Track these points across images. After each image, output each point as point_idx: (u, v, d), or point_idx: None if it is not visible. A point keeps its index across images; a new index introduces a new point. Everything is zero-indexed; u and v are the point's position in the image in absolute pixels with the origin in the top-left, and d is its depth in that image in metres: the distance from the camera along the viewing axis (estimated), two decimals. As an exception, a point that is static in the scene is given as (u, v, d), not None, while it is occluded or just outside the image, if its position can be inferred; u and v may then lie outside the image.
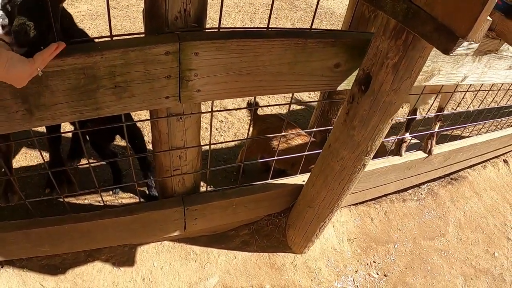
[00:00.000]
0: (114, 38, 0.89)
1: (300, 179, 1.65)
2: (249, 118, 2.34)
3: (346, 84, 1.18)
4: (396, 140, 1.95)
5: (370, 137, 1.11)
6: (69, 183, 1.58)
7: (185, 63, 0.92)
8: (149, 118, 1.17)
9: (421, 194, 2.29)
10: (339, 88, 1.18)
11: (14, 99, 0.83)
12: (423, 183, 2.32)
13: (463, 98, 2.96)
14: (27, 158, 1.98)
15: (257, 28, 1.19)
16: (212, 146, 1.86)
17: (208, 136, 1.30)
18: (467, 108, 3.05)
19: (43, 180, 1.83)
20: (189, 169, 1.34)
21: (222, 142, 2.09)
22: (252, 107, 1.89)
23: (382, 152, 1.86)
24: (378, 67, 0.97)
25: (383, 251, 1.92)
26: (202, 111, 1.17)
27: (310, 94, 3.11)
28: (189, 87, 0.97)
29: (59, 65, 0.81)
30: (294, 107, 2.94)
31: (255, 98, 2.00)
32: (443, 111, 1.92)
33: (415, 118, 1.92)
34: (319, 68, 1.09)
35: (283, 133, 1.81)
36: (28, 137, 1.15)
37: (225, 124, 2.72)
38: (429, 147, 1.94)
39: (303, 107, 2.99)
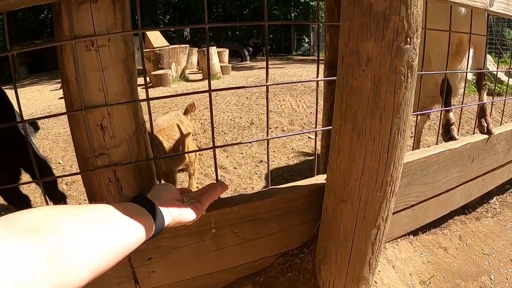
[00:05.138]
0: None
1: (321, 178, 1.04)
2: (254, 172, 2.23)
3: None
4: (441, 126, 1.42)
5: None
6: None
7: None
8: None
9: (495, 208, 1.62)
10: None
11: None
12: (491, 196, 1.68)
13: None
14: None
15: None
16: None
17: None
18: None
19: None
20: (123, 155, 0.76)
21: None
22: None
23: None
24: None
25: (477, 287, 1.15)
26: (130, 29, 0.69)
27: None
28: None
29: None
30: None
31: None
32: (484, 74, 1.44)
33: (450, 89, 1.43)
34: None
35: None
36: None
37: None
38: (485, 124, 1.38)
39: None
